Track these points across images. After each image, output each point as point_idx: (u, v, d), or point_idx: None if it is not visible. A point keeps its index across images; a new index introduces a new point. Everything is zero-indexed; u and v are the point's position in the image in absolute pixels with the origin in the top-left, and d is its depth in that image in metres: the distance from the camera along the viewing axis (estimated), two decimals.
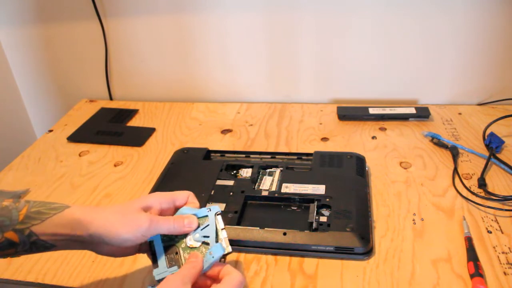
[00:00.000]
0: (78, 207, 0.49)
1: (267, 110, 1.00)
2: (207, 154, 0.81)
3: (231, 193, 0.69)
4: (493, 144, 0.78)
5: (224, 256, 0.51)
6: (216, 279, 0.49)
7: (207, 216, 0.53)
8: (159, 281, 0.48)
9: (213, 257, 0.49)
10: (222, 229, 0.52)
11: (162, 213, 0.53)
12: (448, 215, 0.65)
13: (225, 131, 0.92)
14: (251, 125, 0.94)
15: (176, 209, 0.54)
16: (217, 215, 0.53)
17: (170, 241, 0.52)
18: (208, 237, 0.51)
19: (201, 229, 0.52)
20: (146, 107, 1.06)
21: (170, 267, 0.50)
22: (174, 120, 0.99)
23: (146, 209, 0.51)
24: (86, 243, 0.49)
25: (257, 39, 0.98)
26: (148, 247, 0.52)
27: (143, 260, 0.61)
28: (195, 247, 0.51)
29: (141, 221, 0.48)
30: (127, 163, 0.84)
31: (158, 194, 0.54)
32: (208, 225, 0.52)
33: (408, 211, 0.66)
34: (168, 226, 0.50)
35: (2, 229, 0.46)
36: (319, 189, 0.67)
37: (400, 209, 0.67)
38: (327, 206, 0.64)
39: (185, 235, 0.52)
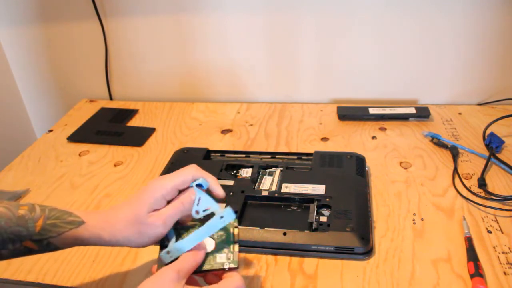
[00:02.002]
0: (92, 221, 0.49)
1: (267, 110, 1.00)
2: (207, 154, 0.81)
3: (231, 193, 0.69)
4: (493, 144, 0.78)
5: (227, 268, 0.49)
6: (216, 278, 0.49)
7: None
8: (162, 256, 0.48)
9: (224, 221, 0.49)
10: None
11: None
12: (448, 215, 0.65)
13: (225, 131, 0.92)
14: (251, 125, 0.94)
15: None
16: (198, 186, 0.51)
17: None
18: (207, 209, 0.51)
19: (196, 204, 0.51)
20: (146, 107, 1.06)
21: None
22: (174, 120, 0.99)
23: (153, 207, 0.49)
24: (101, 244, 0.50)
25: (257, 39, 0.98)
26: None
27: (143, 260, 0.61)
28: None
29: (157, 229, 0.48)
30: (127, 163, 0.84)
31: (159, 185, 0.50)
32: (200, 198, 0.51)
33: (408, 211, 0.66)
34: (179, 212, 0.49)
35: (21, 238, 0.47)
36: (319, 189, 0.67)
37: (400, 209, 0.67)
38: (327, 206, 0.64)
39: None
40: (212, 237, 0.51)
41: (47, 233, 0.48)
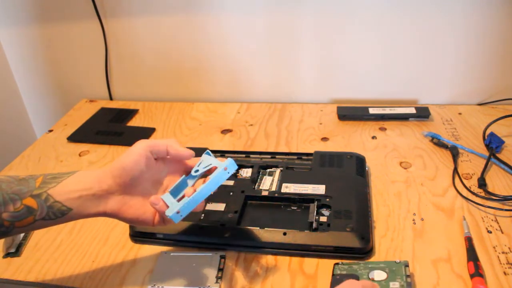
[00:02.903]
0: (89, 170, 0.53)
1: (267, 110, 1.00)
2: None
3: (231, 193, 0.69)
4: (493, 144, 0.78)
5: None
6: None
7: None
8: (173, 217, 0.49)
9: (228, 172, 0.50)
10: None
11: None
12: (448, 215, 0.65)
13: (225, 131, 0.92)
14: (251, 125, 0.94)
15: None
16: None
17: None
18: (210, 164, 0.51)
19: (204, 167, 0.52)
20: (146, 107, 1.06)
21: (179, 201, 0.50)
22: (174, 120, 0.99)
23: (150, 151, 0.52)
24: (98, 198, 0.50)
25: (258, 39, 0.98)
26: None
27: (143, 260, 0.61)
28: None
29: (142, 143, 0.51)
30: None
31: (136, 149, 0.52)
32: (200, 162, 0.53)
33: (408, 211, 0.66)
34: (164, 145, 0.52)
35: (21, 196, 0.48)
36: (319, 189, 0.67)
37: (400, 209, 0.67)
38: (327, 206, 0.64)
39: None
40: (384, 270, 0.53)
41: (46, 185, 0.49)
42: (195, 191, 0.49)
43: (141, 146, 0.51)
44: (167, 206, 0.50)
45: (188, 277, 0.57)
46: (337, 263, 0.56)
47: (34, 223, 0.49)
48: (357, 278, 0.53)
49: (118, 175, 0.50)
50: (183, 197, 0.50)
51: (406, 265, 0.54)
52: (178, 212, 0.48)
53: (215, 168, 0.51)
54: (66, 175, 0.51)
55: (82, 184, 0.50)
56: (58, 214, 0.49)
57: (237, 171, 0.75)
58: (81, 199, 0.50)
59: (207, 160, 0.53)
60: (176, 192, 0.52)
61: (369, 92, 1.00)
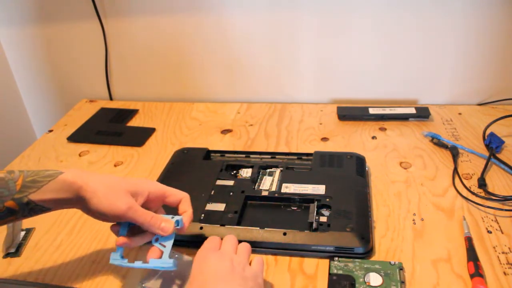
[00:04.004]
0: (71, 171, 0.52)
1: (267, 110, 1.00)
2: (207, 154, 0.81)
3: (231, 193, 0.69)
4: (493, 144, 0.78)
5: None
6: None
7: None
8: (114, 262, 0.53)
9: (163, 268, 0.52)
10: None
11: (148, 202, 0.54)
12: (448, 215, 0.65)
13: (225, 131, 0.92)
14: (251, 125, 0.94)
15: (165, 206, 0.57)
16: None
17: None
18: (165, 247, 0.53)
19: (163, 240, 0.54)
20: (146, 107, 1.06)
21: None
22: (174, 120, 0.99)
23: (133, 194, 0.52)
24: (74, 203, 0.52)
25: (258, 39, 0.98)
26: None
27: (143, 260, 0.61)
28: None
29: (122, 203, 0.50)
30: (127, 163, 0.84)
31: (151, 183, 0.55)
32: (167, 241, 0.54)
33: (408, 211, 0.66)
34: (144, 219, 0.52)
35: (2, 199, 0.49)
36: (319, 189, 0.67)
37: (400, 209, 0.67)
38: (327, 206, 0.64)
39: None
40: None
41: (27, 190, 0.50)
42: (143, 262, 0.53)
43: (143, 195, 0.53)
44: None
45: (188, 277, 0.56)
46: (333, 259, 0.57)
47: (15, 220, 0.51)
48: (353, 279, 0.54)
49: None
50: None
51: (401, 268, 0.54)
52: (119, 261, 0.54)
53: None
54: (46, 180, 0.51)
55: (62, 193, 0.50)
56: (39, 212, 0.51)
57: (237, 171, 0.75)
58: (60, 202, 0.51)
59: (169, 242, 0.54)
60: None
61: (369, 92, 1.00)
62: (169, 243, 0.53)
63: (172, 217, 0.54)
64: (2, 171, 0.51)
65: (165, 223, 0.53)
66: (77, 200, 0.51)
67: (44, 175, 0.51)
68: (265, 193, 0.68)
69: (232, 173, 0.75)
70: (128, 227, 0.54)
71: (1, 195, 0.49)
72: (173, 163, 0.79)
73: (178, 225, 0.54)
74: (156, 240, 0.54)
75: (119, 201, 0.50)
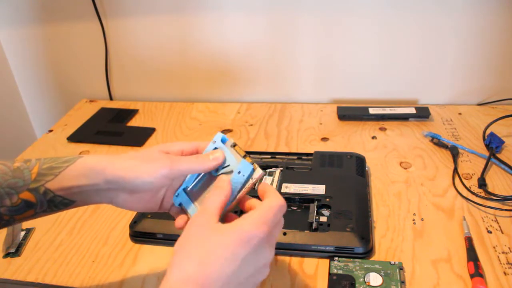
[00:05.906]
0: (90, 156, 0.47)
1: (267, 110, 1.00)
2: None
3: None
4: (493, 144, 0.78)
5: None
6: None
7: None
8: None
9: (243, 175, 0.45)
10: (244, 156, 0.47)
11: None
12: (448, 215, 0.65)
13: (225, 131, 0.92)
14: (251, 125, 0.94)
15: None
16: (233, 147, 0.48)
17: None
18: (228, 165, 0.47)
19: (222, 167, 0.48)
20: (146, 107, 1.06)
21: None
22: (174, 120, 0.99)
23: (166, 153, 0.47)
24: (103, 192, 0.46)
25: (258, 39, 0.98)
26: (171, 205, 0.50)
27: (143, 260, 0.61)
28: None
29: (162, 161, 0.45)
30: None
31: (180, 142, 0.50)
32: (225, 159, 0.47)
33: (408, 211, 0.66)
34: (190, 164, 0.47)
35: (17, 190, 0.44)
36: (319, 189, 0.67)
37: (400, 209, 0.67)
38: (327, 206, 0.64)
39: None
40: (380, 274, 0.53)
41: (43, 178, 0.45)
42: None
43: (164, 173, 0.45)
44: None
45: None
46: (333, 259, 0.57)
47: (35, 215, 0.46)
48: (353, 279, 0.54)
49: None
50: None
51: (401, 268, 0.54)
52: None
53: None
54: (64, 164, 0.46)
55: (84, 179, 0.45)
56: (60, 206, 0.46)
57: None
58: (84, 194, 0.46)
59: (227, 158, 0.48)
60: (195, 192, 0.49)
61: (369, 92, 1.00)
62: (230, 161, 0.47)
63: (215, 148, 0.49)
64: (19, 160, 0.47)
65: (212, 154, 0.48)
66: (107, 188, 0.45)
67: (62, 161, 0.46)
68: None
69: None
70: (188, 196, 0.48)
71: (15, 186, 0.44)
72: None
73: (224, 141, 0.49)
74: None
75: (159, 162, 0.45)
